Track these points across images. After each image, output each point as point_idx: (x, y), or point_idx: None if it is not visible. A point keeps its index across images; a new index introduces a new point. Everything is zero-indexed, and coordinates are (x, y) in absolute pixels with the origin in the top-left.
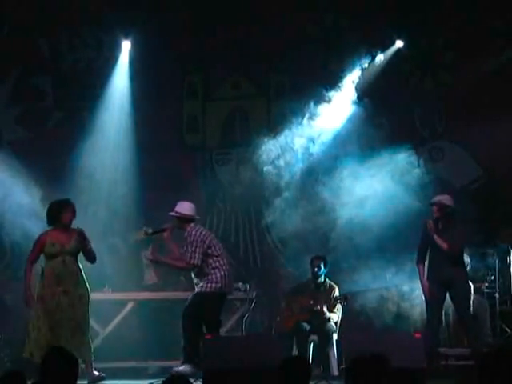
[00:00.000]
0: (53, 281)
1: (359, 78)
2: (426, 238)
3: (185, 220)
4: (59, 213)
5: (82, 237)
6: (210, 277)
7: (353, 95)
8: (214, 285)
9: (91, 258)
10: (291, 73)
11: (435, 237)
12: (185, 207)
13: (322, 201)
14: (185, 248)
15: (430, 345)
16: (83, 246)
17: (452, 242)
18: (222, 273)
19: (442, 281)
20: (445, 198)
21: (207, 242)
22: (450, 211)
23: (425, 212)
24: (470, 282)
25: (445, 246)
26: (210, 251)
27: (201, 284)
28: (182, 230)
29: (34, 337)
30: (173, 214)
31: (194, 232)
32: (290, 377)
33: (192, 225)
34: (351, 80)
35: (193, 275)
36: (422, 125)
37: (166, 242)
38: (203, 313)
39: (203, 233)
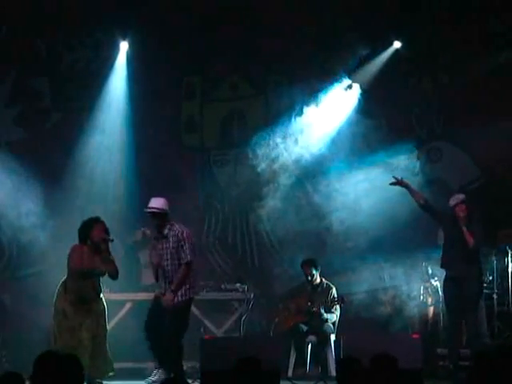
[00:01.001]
0: (77, 299)
1: (358, 78)
2: (443, 217)
3: (166, 216)
4: (89, 231)
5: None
6: (191, 280)
7: (351, 95)
8: (194, 290)
9: (114, 276)
10: (289, 73)
11: (464, 229)
12: (163, 203)
13: (318, 201)
14: (178, 245)
15: (451, 345)
16: (108, 267)
17: (476, 239)
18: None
19: (456, 277)
20: (464, 197)
21: (193, 239)
22: (471, 209)
23: (423, 212)
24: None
25: (471, 241)
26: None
27: (182, 291)
28: (161, 227)
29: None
30: (155, 210)
31: (183, 229)
32: (242, 378)
33: (172, 221)
34: (349, 81)
35: (164, 279)
36: (420, 125)
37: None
38: (187, 321)
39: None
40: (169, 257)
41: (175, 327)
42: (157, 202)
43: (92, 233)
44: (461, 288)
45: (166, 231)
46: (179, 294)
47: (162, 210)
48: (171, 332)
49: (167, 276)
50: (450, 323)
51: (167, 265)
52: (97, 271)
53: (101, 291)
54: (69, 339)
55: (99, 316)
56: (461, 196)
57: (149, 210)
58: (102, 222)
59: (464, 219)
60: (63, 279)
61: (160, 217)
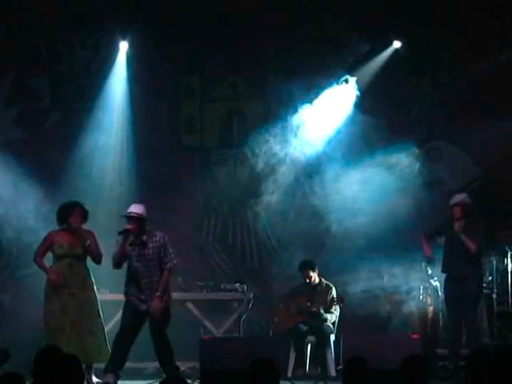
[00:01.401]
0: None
1: (357, 78)
2: (443, 230)
3: (144, 222)
4: (68, 214)
5: (91, 238)
6: (170, 286)
7: (351, 95)
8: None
9: (96, 260)
10: (289, 73)
11: (463, 237)
12: (143, 209)
13: (317, 201)
14: (160, 250)
15: (451, 345)
16: (90, 248)
17: (477, 242)
18: None
19: (456, 277)
20: (465, 197)
21: None
22: (470, 210)
23: (422, 212)
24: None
25: (473, 247)
26: None
27: (166, 297)
28: (139, 232)
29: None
30: (138, 215)
31: (164, 234)
32: (258, 379)
33: (150, 228)
34: (349, 80)
35: (146, 285)
36: (420, 125)
37: (125, 245)
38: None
39: None
40: (150, 263)
41: (165, 328)
42: (137, 208)
43: (70, 217)
44: (461, 288)
45: (144, 238)
46: (167, 298)
47: (141, 215)
48: (165, 333)
49: (147, 282)
50: (450, 323)
51: (146, 271)
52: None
53: (88, 280)
54: (50, 321)
55: (82, 305)
56: (461, 196)
57: (128, 215)
58: (82, 207)
59: (461, 219)
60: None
61: (138, 222)
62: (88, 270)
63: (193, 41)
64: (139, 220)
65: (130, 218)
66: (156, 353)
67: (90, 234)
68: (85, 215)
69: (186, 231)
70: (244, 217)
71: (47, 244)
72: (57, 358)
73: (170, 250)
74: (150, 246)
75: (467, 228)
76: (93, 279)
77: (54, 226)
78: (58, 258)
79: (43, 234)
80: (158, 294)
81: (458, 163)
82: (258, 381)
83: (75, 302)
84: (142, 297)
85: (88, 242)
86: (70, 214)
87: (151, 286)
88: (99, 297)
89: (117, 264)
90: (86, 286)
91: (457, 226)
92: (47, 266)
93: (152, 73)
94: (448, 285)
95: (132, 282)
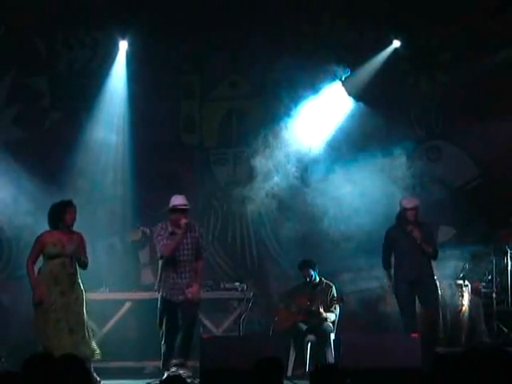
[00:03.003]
0: (50, 281)
1: (356, 77)
2: (391, 243)
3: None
4: (61, 214)
5: (80, 241)
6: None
7: (350, 95)
8: None
9: (83, 264)
10: (288, 73)
11: (419, 241)
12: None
13: (316, 201)
14: (198, 240)
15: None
16: (79, 250)
17: (434, 245)
18: None
19: (411, 281)
20: (417, 201)
21: None
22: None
23: (421, 212)
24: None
25: (430, 250)
26: None
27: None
28: (184, 223)
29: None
30: (187, 207)
31: (198, 225)
32: (264, 378)
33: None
34: (348, 80)
35: (187, 274)
36: (419, 124)
37: (180, 239)
38: None
39: None
40: (189, 252)
41: (197, 317)
42: (184, 199)
43: (64, 216)
44: (416, 291)
45: (185, 226)
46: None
47: (187, 206)
48: (194, 323)
49: (188, 270)
50: (405, 327)
51: (187, 259)
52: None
53: (78, 280)
54: (41, 320)
55: (70, 304)
56: (414, 200)
57: (184, 207)
58: (74, 206)
59: (413, 223)
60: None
61: (187, 212)
62: (77, 268)
63: (192, 40)
64: (188, 211)
65: (184, 210)
66: (179, 339)
67: (79, 236)
68: (76, 213)
69: None
70: (243, 216)
71: (39, 247)
72: (48, 363)
73: (204, 241)
74: (189, 235)
75: (422, 232)
76: (80, 279)
77: None
78: (50, 257)
79: None
80: (198, 280)
81: (457, 162)
82: (263, 379)
83: (63, 300)
84: (179, 286)
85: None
86: (64, 213)
87: (190, 274)
88: (99, 296)
89: (167, 256)
90: (75, 284)
91: (415, 231)
92: (36, 276)
93: (151, 72)
94: (402, 287)
95: (170, 273)
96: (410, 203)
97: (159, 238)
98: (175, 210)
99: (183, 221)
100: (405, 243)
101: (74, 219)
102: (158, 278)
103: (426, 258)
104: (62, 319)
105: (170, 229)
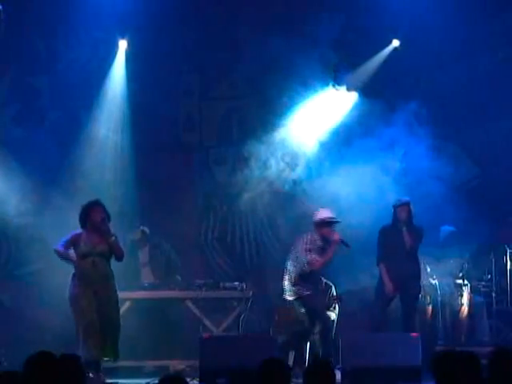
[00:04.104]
0: (83, 281)
1: (356, 76)
2: (385, 241)
3: None
4: (88, 214)
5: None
6: None
7: (349, 95)
8: None
9: (119, 255)
10: (287, 72)
11: (404, 229)
12: None
13: (315, 201)
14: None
15: None
16: (114, 240)
17: (414, 240)
18: None
19: (394, 279)
20: (407, 200)
21: None
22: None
23: (421, 212)
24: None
25: (409, 241)
26: None
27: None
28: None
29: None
30: (336, 220)
31: None
32: (269, 379)
33: None
34: (347, 80)
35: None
36: (419, 124)
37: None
38: None
39: None
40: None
41: None
42: (331, 212)
43: (91, 216)
44: (401, 288)
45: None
46: None
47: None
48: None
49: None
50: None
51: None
52: (97, 249)
53: (111, 280)
54: (80, 321)
55: (104, 305)
56: (404, 199)
57: (333, 220)
58: (101, 205)
59: (405, 221)
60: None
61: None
62: (111, 269)
63: (192, 39)
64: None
65: (332, 223)
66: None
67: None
68: (106, 212)
69: (185, 230)
70: (243, 215)
71: (72, 239)
72: (49, 363)
73: None
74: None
75: (408, 229)
76: (115, 281)
77: (53, 225)
78: (82, 256)
79: (42, 232)
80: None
81: (456, 161)
82: (269, 381)
83: (97, 300)
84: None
85: (113, 237)
86: (90, 212)
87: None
88: None
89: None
90: (109, 285)
91: (407, 236)
92: (73, 254)
93: (151, 71)
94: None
95: (308, 284)
96: (399, 202)
97: (307, 250)
98: (325, 223)
99: (336, 236)
100: (394, 242)
101: (101, 218)
102: (294, 282)
103: (412, 259)
104: (100, 320)
105: (319, 243)
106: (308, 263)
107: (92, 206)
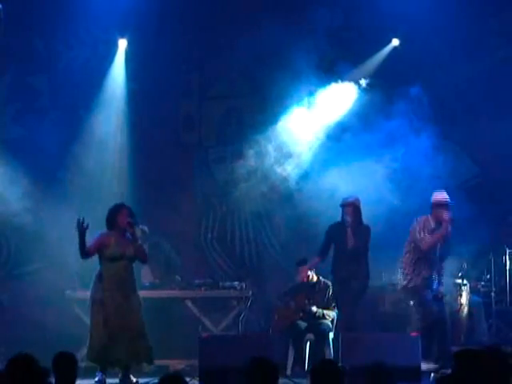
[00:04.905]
0: (113, 285)
1: (356, 76)
2: (329, 239)
3: None
4: (114, 217)
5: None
6: None
7: (349, 95)
8: None
9: (145, 258)
10: (287, 72)
11: (348, 230)
12: None
13: (314, 201)
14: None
15: None
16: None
17: (359, 240)
18: None
19: (343, 278)
20: (357, 198)
21: None
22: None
23: (416, 210)
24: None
25: (351, 241)
26: None
27: None
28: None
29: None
30: (450, 201)
31: None
32: (255, 377)
33: None
34: (347, 79)
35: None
36: (418, 124)
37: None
38: None
39: None
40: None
41: None
42: (446, 194)
43: (118, 219)
44: (346, 288)
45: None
46: None
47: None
48: None
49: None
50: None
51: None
52: (127, 254)
53: (136, 283)
54: (101, 329)
55: (133, 309)
56: (351, 199)
57: (447, 202)
58: (127, 208)
59: (350, 221)
60: (97, 270)
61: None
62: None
63: (191, 39)
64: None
65: (447, 205)
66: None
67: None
68: (132, 215)
69: (184, 229)
70: (242, 215)
71: (98, 244)
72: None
73: None
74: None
75: (355, 229)
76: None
77: (53, 224)
78: (112, 260)
79: (42, 232)
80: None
81: (456, 161)
82: (256, 380)
83: (128, 304)
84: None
85: (139, 241)
86: (117, 215)
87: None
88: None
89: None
90: (135, 289)
91: (351, 238)
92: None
93: (150, 71)
94: (335, 288)
95: (421, 270)
96: (344, 201)
97: (421, 231)
98: (439, 204)
99: (446, 216)
100: (338, 242)
101: (127, 222)
102: (408, 270)
103: (356, 260)
104: (130, 325)
105: (432, 224)
106: (419, 241)
107: (119, 209)
